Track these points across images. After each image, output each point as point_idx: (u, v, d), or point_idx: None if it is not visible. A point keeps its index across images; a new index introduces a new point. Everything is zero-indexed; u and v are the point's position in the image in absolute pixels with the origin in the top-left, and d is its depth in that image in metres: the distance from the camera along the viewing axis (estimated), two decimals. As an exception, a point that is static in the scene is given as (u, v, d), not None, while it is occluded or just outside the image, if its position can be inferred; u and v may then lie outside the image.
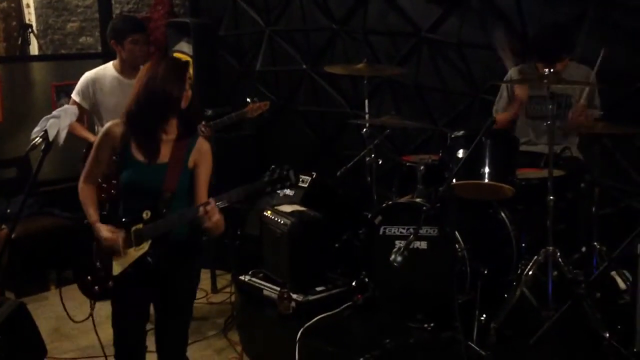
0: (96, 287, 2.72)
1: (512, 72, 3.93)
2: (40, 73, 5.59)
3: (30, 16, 6.72)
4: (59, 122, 2.78)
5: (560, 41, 3.74)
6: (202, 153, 2.69)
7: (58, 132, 2.77)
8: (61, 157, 4.48)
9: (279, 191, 2.98)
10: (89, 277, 2.73)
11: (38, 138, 2.75)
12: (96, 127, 4.05)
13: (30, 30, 6.43)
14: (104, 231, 2.63)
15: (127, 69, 3.91)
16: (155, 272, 2.66)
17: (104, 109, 3.94)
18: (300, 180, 4.41)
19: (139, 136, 2.63)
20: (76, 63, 5.49)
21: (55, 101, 5.24)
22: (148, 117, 2.61)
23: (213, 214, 2.53)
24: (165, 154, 2.64)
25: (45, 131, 2.75)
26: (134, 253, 2.63)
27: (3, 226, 4.19)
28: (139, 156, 2.63)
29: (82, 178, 2.76)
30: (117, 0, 5.84)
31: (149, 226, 2.61)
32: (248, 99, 4.20)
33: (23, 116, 5.20)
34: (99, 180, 3.24)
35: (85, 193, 2.73)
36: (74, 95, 3.99)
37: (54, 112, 2.83)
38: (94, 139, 3.92)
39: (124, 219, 2.66)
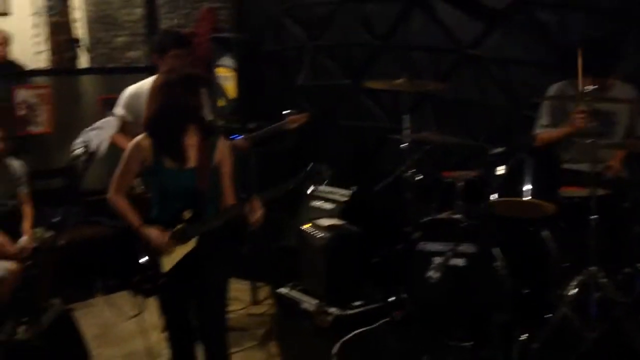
0: (146, 285, 2.86)
1: (553, 89, 3.88)
2: (88, 86, 5.75)
3: (80, 30, 6.91)
4: (100, 133, 2.87)
5: (611, 55, 3.70)
6: (224, 151, 2.91)
7: (100, 143, 2.86)
8: (107, 168, 4.59)
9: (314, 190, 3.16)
10: (137, 277, 2.86)
11: (79, 149, 2.85)
12: None
13: (79, 44, 6.60)
14: (153, 232, 2.81)
15: None
16: (198, 261, 2.84)
17: None
18: (340, 194, 4.46)
19: (165, 146, 2.81)
20: (123, 77, 5.64)
21: (103, 113, 5.38)
22: (171, 129, 2.80)
23: (258, 209, 2.80)
24: (193, 157, 2.84)
25: (87, 142, 2.84)
26: (181, 250, 2.83)
27: (51, 234, 4.31)
28: (170, 164, 2.81)
29: (112, 190, 2.91)
30: (164, 15, 5.97)
31: (194, 225, 2.82)
32: (286, 112, 4.25)
33: (72, 127, 5.33)
34: None
35: (120, 202, 2.90)
36: (118, 109, 4.09)
37: (96, 124, 2.92)
38: None
39: (166, 220, 2.83)
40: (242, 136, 4.20)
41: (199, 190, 2.82)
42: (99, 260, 4.80)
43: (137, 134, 4.13)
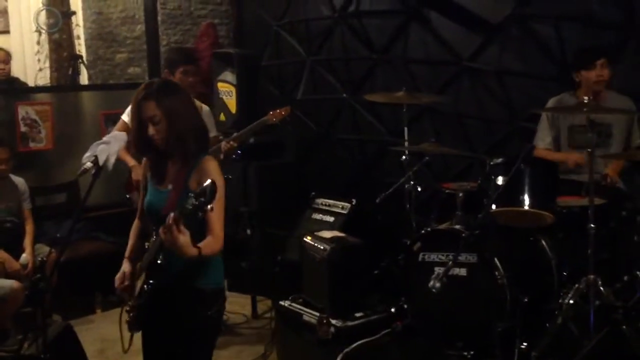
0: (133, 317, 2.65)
1: (552, 102, 3.93)
2: (89, 102, 5.80)
3: (81, 47, 6.96)
4: (108, 147, 2.87)
5: (599, 46, 3.76)
6: (203, 171, 2.50)
7: (107, 158, 2.88)
8: (108, 183, 4.62)
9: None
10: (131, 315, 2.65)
11: (89, 163, 2.85)
12: None
13: (80, 60, 6.66)
14: (123, 269, 2.68)
15: None
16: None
17: None
18: (341, 207, 4.49)
19: (151, 162, 2.69)
20: (124, 92, 5.67)
21: (104, 129, 5.42)
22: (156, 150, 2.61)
23: (170, 229, 2.26)
24: (171, 178, 2.62)
25: (96, 156, 2.85)
26: (138, 284, 2.61)
27: (52, 249, 4.34)
28: (154, 181, 2.68)
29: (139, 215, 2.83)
30: (165, 32, 6.03)
31: (144, 255, 2.57)
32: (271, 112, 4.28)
33: (73, 143, 5.39)
34: None
35: (133, 228, 2.82)
36: (125, 116, 4.10)
37: (104, 138, 2.92)
38: (132, 162, 4.03)
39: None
40: (224, 141, 4.22)
41: (163, 213, 2.38)
42: (99, 276, 4.81)
43: None
